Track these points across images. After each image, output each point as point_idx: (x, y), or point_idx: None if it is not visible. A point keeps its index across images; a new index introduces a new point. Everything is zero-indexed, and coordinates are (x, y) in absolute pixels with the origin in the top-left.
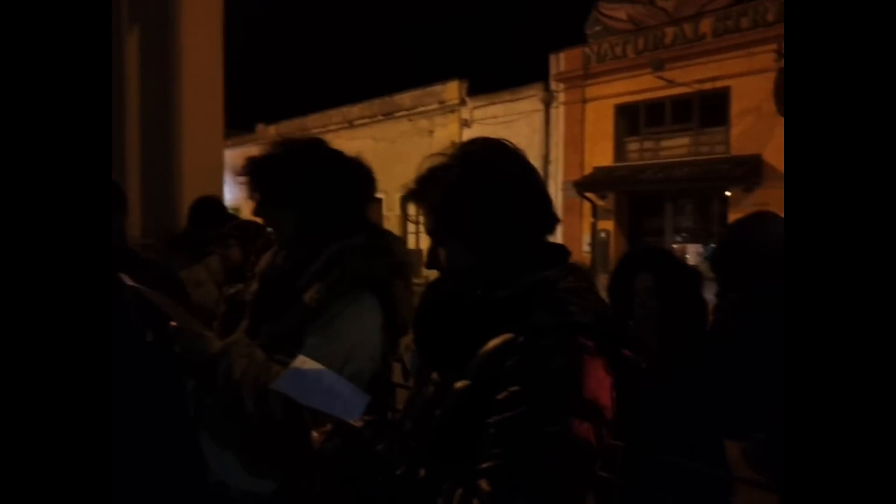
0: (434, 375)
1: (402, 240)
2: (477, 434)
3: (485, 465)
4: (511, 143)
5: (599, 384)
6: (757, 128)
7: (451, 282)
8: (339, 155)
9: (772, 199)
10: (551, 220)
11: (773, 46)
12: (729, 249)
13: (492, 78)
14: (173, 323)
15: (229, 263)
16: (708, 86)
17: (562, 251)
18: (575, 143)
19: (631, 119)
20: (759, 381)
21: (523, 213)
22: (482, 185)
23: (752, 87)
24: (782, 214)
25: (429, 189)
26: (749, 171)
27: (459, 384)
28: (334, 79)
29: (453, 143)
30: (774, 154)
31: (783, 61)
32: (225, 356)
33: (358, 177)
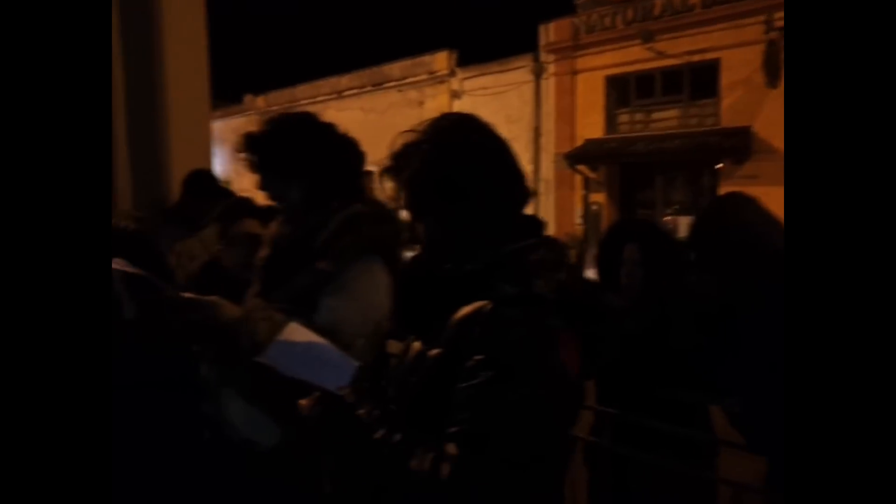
0: (416, 344)
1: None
2: (449, 400)
3: (452, 430)
4: (481, 118)
5: (563, 352)
6: (746, 100)
7: (426, 255)
8: (333, 127)
9: (762, 171)
10: (523, 194)
11: (762, 18)
12: (700, 232)
13: (481, 48)
14: (187, 294)
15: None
16: (697, 57)
17: (535, 224)
18: (565, 115)
19: (621, 91)
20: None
21: (494, 188)
22: (452, 161)
23: (741, 59)
24: (777, 184)
25: (403, 164)
26: (739, 143)
27: (433, 352)
28: (322, 49)
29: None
30: (764, 126)
31: (772, 33)
32: (247, 321)
33: (353, 148)
